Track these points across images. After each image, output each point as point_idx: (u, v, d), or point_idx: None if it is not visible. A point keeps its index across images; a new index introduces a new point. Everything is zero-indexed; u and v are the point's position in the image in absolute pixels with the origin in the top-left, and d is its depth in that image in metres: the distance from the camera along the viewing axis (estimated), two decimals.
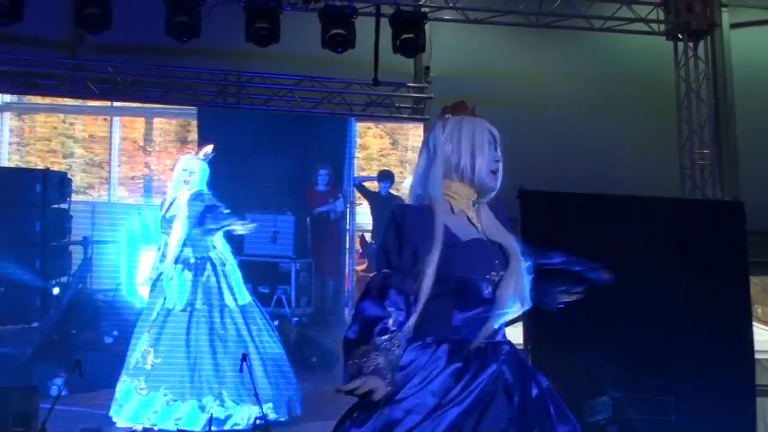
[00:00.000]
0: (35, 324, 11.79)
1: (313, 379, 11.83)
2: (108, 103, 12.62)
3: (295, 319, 12.21)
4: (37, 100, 12.67)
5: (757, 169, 13.62)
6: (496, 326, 3.61)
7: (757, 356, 12.16)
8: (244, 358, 10.33)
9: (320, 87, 12.92)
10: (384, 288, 3.53)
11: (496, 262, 3.63)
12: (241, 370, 10.24)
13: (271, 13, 12.06)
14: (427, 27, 12.61)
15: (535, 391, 3.60)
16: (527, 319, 10.62)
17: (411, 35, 12.29)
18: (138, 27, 12.60)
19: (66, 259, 11.98)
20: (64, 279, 11.96)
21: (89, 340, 11.82)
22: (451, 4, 13.08)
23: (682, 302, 11.15)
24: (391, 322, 3.45)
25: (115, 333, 11.86)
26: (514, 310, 3.63)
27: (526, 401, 3.56)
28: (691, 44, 13.43)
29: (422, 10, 12.71)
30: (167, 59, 12.72)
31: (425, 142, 3.81)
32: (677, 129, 13.31)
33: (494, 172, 3.73)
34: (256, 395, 10.10)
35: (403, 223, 3.61)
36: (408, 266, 3.55)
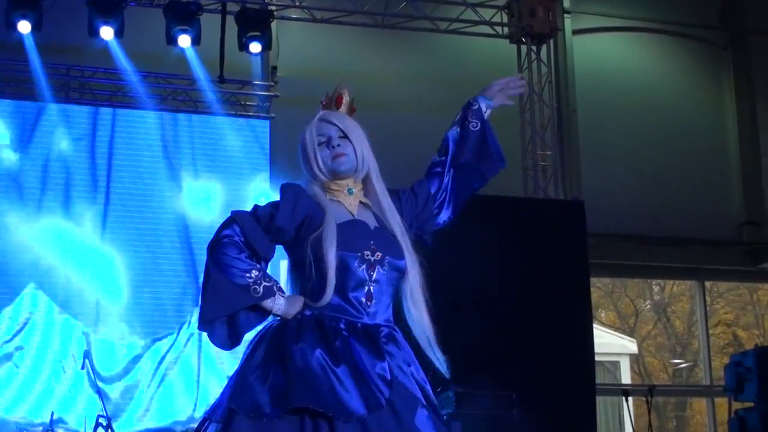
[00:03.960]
0: None
1: None
2: None
3: None
4: None
5: (598, 172, 13.93)
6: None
7: (597, 358, 12.41)
8: None
9: (165, 83, 12.73)
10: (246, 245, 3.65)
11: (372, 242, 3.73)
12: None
13: (115, 7, 11.86)
14: (274, 27, 12.56)
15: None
16: None
17: (257, 33, 12.24)
18: None
19: None
20: None
21: None
22: (297, 3, 13.04)
23: (525, 300, 11.30)
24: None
25: None
26: None
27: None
28: (534, 48, 13.65)
29: (268, 8, 12.65)
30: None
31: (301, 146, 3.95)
32: (520, 131, 13.50)
33: (336, 157, 3.89)
34: None
35: (299, 194, 3.75)
36: (284, 226, 3.67)
